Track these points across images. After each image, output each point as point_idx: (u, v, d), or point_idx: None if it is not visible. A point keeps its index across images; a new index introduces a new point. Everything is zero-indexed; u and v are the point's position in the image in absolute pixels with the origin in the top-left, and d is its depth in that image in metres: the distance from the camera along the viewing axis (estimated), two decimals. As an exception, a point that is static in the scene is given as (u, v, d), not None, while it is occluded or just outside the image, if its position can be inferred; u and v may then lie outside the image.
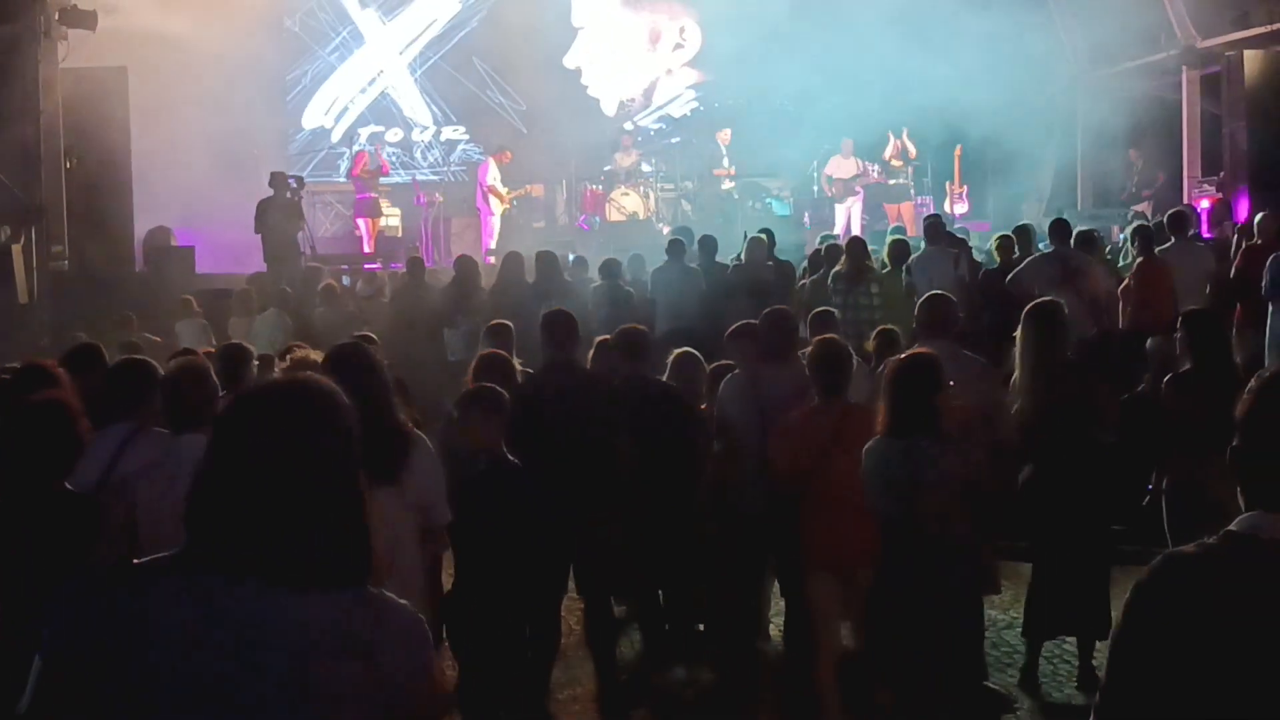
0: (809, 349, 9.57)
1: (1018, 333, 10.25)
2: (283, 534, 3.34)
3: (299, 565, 3.35)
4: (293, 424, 3.41)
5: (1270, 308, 15.26)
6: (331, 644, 3.35)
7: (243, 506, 3.34)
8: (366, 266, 27.12)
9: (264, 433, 3.41)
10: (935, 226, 19.71)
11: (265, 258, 23.70)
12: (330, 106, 34.53)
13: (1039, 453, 9.79)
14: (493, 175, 29.87)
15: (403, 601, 3.55)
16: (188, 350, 11.66)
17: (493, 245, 28.44)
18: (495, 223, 29.70)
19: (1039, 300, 10.67)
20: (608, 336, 11.75)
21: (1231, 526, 3.38)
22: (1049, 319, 10.17)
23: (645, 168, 32.78)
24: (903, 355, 8.61)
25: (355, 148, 32.76)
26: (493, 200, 29.73)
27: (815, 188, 31.72)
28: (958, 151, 31.04)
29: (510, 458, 8.57)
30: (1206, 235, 22.23)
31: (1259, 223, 18.71)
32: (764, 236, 19.59)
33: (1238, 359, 9.88)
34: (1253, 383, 3.45)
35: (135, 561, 3.46)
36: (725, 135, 32.15)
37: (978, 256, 20.49)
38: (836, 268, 17.55)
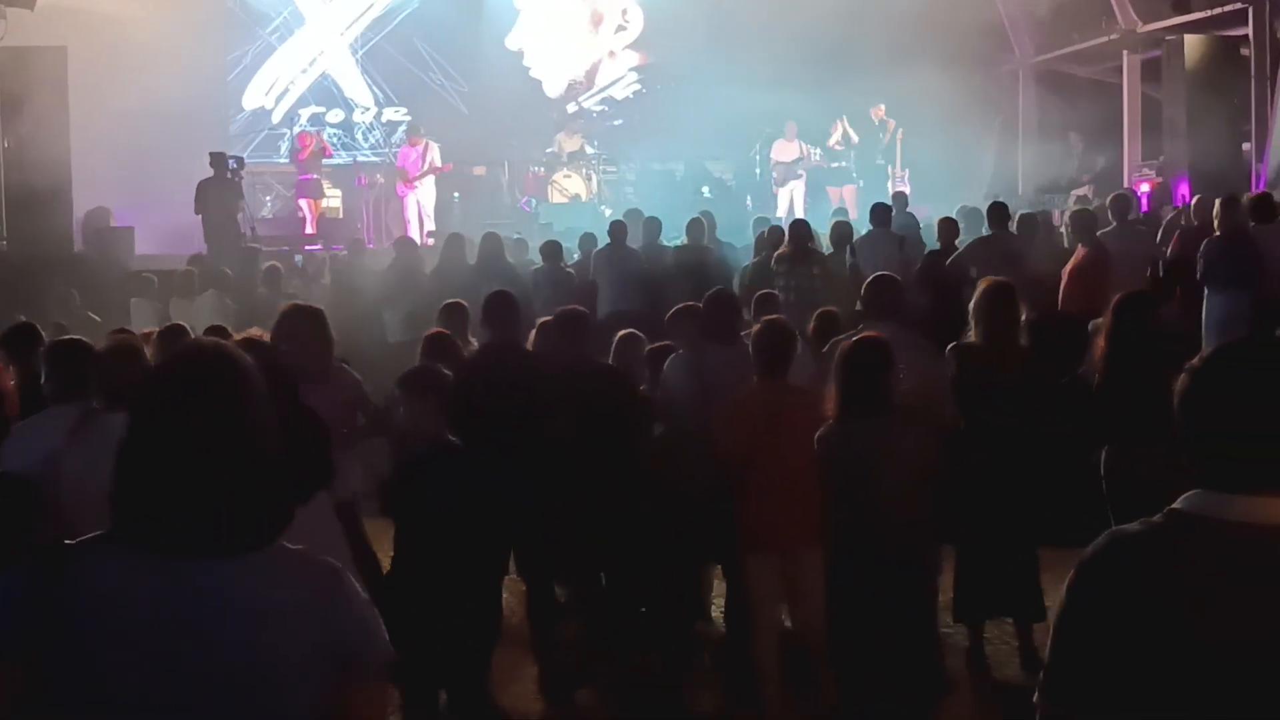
0: (752, 330, 9.55)
1: (971, 308, 10.28)
2: (203, 504, 3.34)
3: (223, 534, 3.35)
4: (199, 392, 3.41)
5: (1206, 291, 15.32)
6: (272, 610, 3.37)
7: (161, 480, 3.33)
8: (307, 248, 27.04)
9: (173, 403, 3.42)
10: (881, 209, 19.77)
11: (205, 238, 23.60)
12: (271, 87, 34.36)
13: (973, 433, 9.80)
14: (400, 158, 29.72)
15: (331, 561, 3.58)
16: (124, 330, 11.58)
17: (413, 231, 28.19)
18: (414, 203, 29.41)
19: (992, 280, 10.68)
20: (549, 319, 11.71)
21: (1175, 505, 3.38)
22: (1001, 297, 10.21)
23: (588, 149, 32.75)
24: (853, 337, 8.59)
25: (296, 129, 32.61)
26: (402, 186, 29.50)
27: (758, 170, 31.77)
28: (899, 135, 31.09)
29: (451, 439, 8.54)
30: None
31: (1194, 207, 18.80)
32: (703, 219, 19.56)
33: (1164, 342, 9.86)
34: (1192, 362, 3.45)
35: (67, 543, 3.43)
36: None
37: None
38: (779, 249, 17.54)
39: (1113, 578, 3.36)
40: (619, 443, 10.02)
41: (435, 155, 29.58)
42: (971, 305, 10.34)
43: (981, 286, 10.47)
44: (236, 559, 3.36)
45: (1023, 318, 10.30)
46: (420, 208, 29.30)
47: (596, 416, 9.98)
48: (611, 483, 9.96)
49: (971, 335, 10.27)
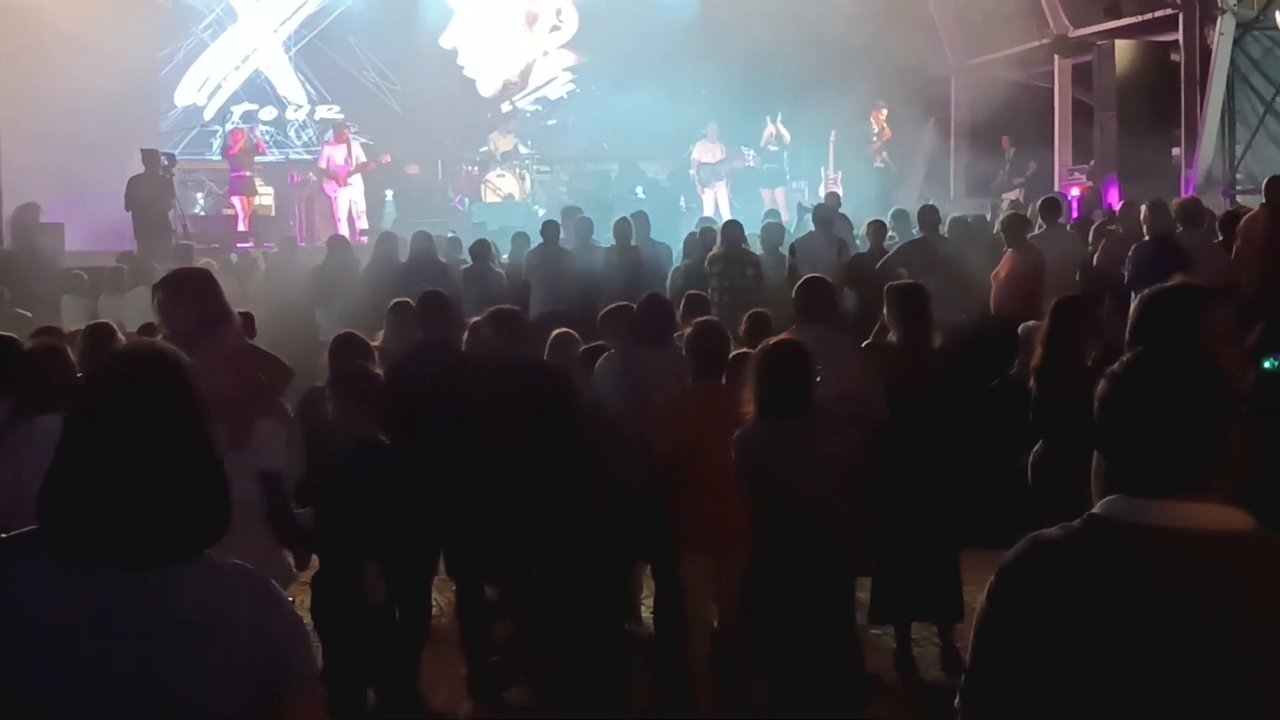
0: (686, 331, 9.57)
1: (885, 311, 10.35)
2: (138, 510, 3.31)
3: (157, 541, 3.33)
4: (137, 395, 3.39)
5: (1133, 296, 15.40)
6: (205, 621, 3.34)
7: (96, 485, 3.31)
8: (240, 245, 26.93)
9: (110, 407, 3.39)
10: (823, 210, 19.87)
11: (136, 235, 23.47)
12: (203, 84, 34.19)
13: (889, 435, 9.83)
14: (325, 159, 29.67)
15: (257, 572, 3.56)
16: (49, 329, 11.50)
17: (343, 228, 28.11)
18: (341, 203, 29.38)
19: (902, 280, 10.75)
20: (479, 318, 11.70)
21: (1095, 509, 3.42)
22: (914, 299, 10.27)
23: (522, 149, 32.75)
24: (769, 340, 8.60)
25: (229, 126, 32.48)
26: (329, 185, 29.45)
27: (692, 171, 31.83)
28: (832, 137, 31.15)
29: (380, 438, 8.53)
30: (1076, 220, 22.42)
31: (1120, 211, 18.90)
32: (630, 220, 19.52)
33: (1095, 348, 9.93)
34: (1112, 368, 3.49)
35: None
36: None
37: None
38: (713, 250, 17.58)
39: (1032, 582, 3.40)
40: (557, 441, 10.00)
41: (359, 152, 29.56)
42: (886, 308, 10.41)
43: (895, 289, 10.54)
44: (169, 567, 3.34)
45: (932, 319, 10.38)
46: (352, 206, 29.24)
47: (535, 415, 9.97)
48: (544, 482, 9.95)
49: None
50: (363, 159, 29.61)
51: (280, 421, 8.40)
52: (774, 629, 8.26)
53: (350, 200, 29.22)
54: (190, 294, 8.01)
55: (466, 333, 11.28)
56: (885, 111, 31.23)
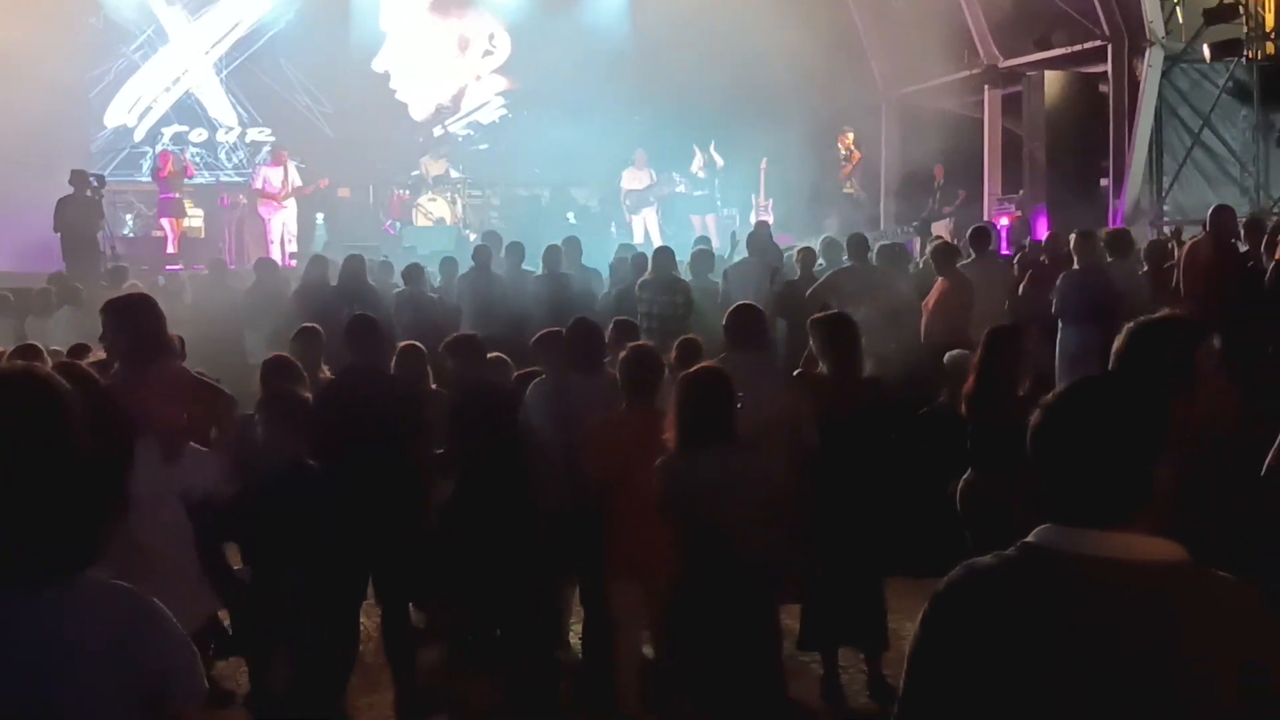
0: (620, 356, 9.56)
1: (814, 340, 10.37)
2: (5, 532, 3.27)
3: (21, 563, 3.28)
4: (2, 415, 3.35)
5: (1060, 325, 15.48)
6: (75, 646, 3.28)
7: None
8: (169, 268, 26.81)
9: None
10: (757, 236, 19.95)
11: (64, 256, 23.32)
12: (134, 105, 33.94)
13: (818, 463, 9.83)
14: (261, 180, 29.65)
15: (137, 592, 3.49)
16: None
17: (274, 252, 28.09)
18: (275, 225, 29.32)
19: (828, 312, 10.79)
20: (412, 342, 11.69)
21: (1029, 538, 3.44)
22: (841, 329, 10.30)
23: (454, 174, 32.71)
24: (691, 369, 8.59)
25: (158, 147, 32.31)
26: (264, 206, 29.42)
27: (622, 198, 31.85)
28: (763, 164, 31.22)
29: (309, 461, 8.50)
30: (1006, 252, 22.55)
31: (1046, 242, 19.01)
32: (559, 245, 19.47)
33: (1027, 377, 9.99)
34: (1046, 399, 3.51)
35: None
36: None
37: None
38: (643, 276, 17.58)
39: (966, 609, 3.41)
40: (501, 465, 9.98)
41: (295, 175, 29.53)
42: (812, 339, 10.43)
43: (820, 321, 10.56)
44: (37, 591, 3.29)
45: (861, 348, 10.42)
46: (284, 228, 29.17)
47: (475, 439, 9.96)
48: (477, 506, 9.93)
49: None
50: (298, 182, 29.58)
51: (214, 448, 8.39)
52: (699, 657, 8.25)
53: (283, 223, 29.17)
54: (131, 320, 8.01)
55: (395, 356, 11.27)
56: (852, 135, 31.29)
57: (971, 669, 3.34)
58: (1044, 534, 3.43)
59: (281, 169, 29.58)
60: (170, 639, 3.46)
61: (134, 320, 8.70)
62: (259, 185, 29.77)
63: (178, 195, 29.60)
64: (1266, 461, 5.91)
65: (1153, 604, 3.27)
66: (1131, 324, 5.03)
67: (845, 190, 31.25)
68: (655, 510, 8.45)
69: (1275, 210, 24.99)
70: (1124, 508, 3.35)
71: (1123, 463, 3.36)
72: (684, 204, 31.46)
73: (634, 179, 31.20)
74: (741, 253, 20.69)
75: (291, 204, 29.45)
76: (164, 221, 29.60)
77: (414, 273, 18.97)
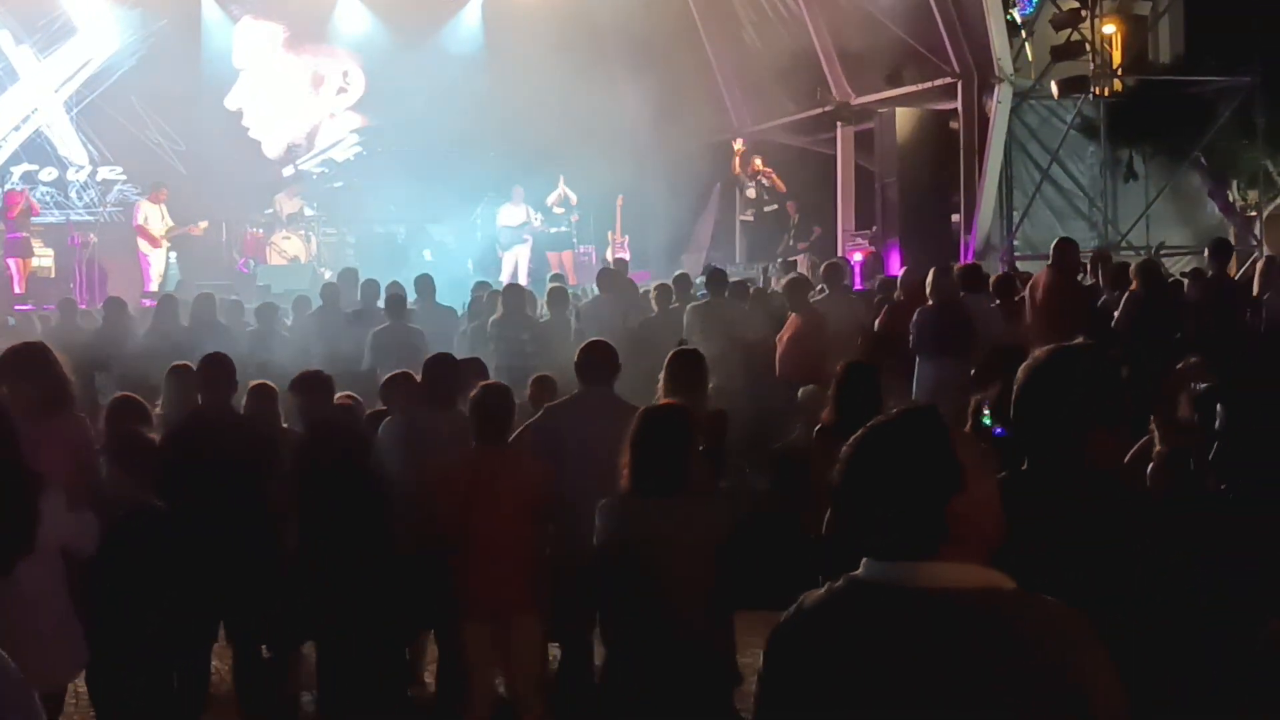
0: (470, 395, 9.53)
1: (660, 379, 10.38)
2: None
3: None
4: None
5: (918, 359, 15.62)
6: None
7: None
8: (17, 308, 26.45)
9: None
10: (605, 274, 20.05)
11: (-90, 297, 23.02)
12: (-18, 144, 33.58)
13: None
14: (143, 216, 29.48)
15: None
16: None
17: (154, 288, 27.99)
18: (153, 264, 29.26)
19: (679, 348, 10.83)
20: (264, 381, 11.61)
21: (856, 571, 3.48)
22: (688, 366, 10.34)
23: (308, 211, 32.56)
24: (654, 404, 8.39)
25: (6, 187, 31.88)
26: (142, 243, 29.33)
27: (479, 234, 31.81)
28: (619, 201, 31.32)
29: (157, 503, 8.42)
30: (859, 287, 22.72)
31: (901, 279, 19.17)
32: (399, 291, 19.27)
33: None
34: (852, 438, 3.58)
35: None
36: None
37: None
38: (494, 315, 17.56)
39: (798, 642, 3.47)
40: (341, 505, 9.91)
41: (167, 216, 29.55)
42: (664, 373, 10.44)
43: (672, 354, 10.60)
44: None
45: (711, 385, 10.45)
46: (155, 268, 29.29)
47: (324, 478, 9.88)
48: (327, 546, 9.86)
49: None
50: (170, 223, 29.51)
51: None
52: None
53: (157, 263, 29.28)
54: (38, 369, 7.96)
55: (246, 396, 11.19)
56: (758, 160, 31.20)
57: (808, 701, 3.38)
58: (867, 567, 3.49)
59: (161, 207, 29.53)
60: (13, 688, 3.37)
61: (42, 370, 8.68)
62: (140, 221, 29.68)
63: (25, 235, 29.29)
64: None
65: (968, 631, 3.32)
66: (1042, 353, 4.92)
67: (765, 210, 31.10)
68: (511, 547, 8.43)
69: (1123, 245, 25.41)
70: (925, 541, 3.40)
71: (912, 498, 3.43)
72: (541, 241, 31.49)
73: (510, 215, 31.24)
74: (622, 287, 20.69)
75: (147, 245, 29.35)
76: (10, 261, 29.22)
77: (266, 311, 18.83)
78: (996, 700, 3.25)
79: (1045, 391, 4.54)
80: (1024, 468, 4.53)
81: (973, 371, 9.20)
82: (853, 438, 3.58)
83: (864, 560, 3.49)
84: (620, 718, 8.00)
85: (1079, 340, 4.92)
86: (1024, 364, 4.61)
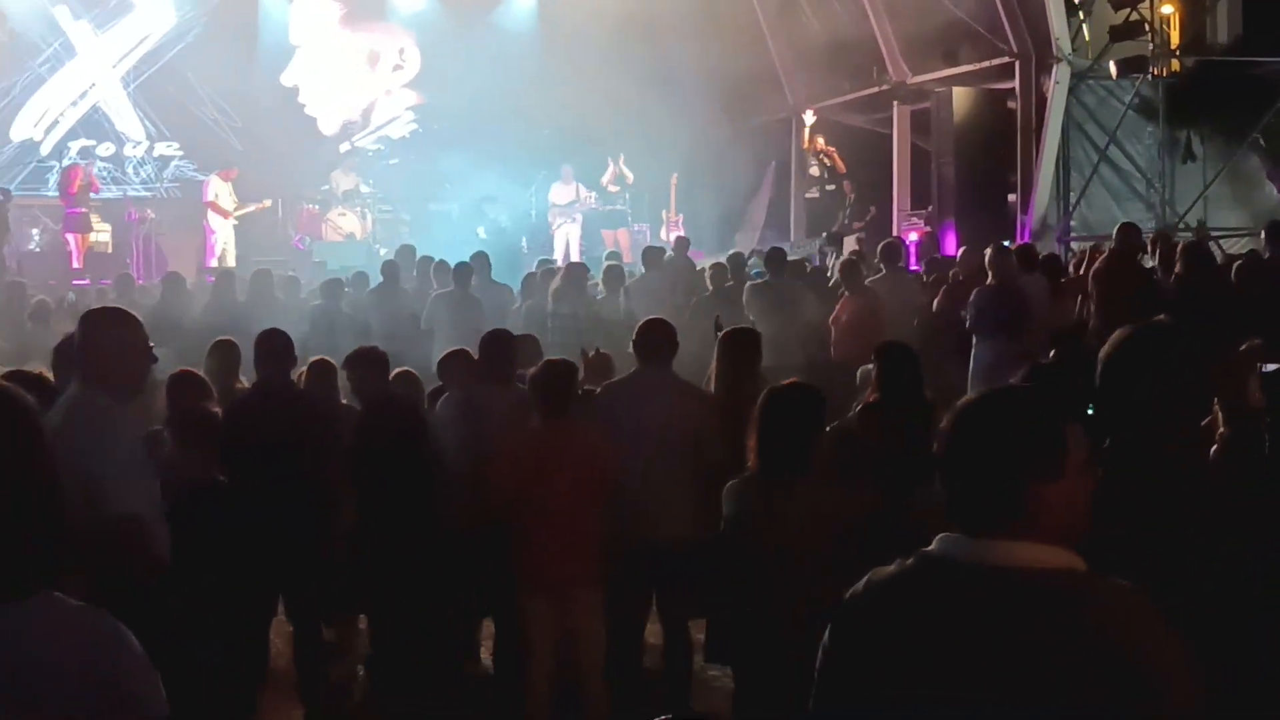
0: (530, 371, 9.52)
1: (713, 359, 10.37)
2: None
3: None
4: None
5: (974, 339, 15.55)
6: (40, 668, 3.18)
7: None
8: (75, 283, 26.58)
9: None
10: (651, 253, 19.99)
11: (-33, 272, 23.14)
12: (40, 119, 33.64)
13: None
14: (213, 192, 29.60)
15: (102, 613, 3.38)
16: None
17: (214, 263, 28.13)
18: (219, 240, 29.40)
19: (735, 327, 10.79)
20: (323, 357, 11.63)
21: (928, 548, 3.46)
22: (743, 345, 10.32)
23: (364, 188, 32.58)
24: (780, 385, 8.16)
25: (65, 162, 32.01)
26: (213, 217, 29.48)
27: (533, 212, 31.82)
28: (674, 179, 31.28)
29: (219, 478, 8.45)
30: (915, 268, 22.64)
31: (960, 258, 19.09)
32: (469, 263, 19.36)
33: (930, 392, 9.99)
34: (954, 407, 3.54)
35: None
36: None
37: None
38: (554, 284, 17.62)
39: (866, 619, 3.46)
40: (397, 481, 9.93)
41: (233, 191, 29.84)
42: (717, 354, 10.42)
43: (725, 333, 10.58)
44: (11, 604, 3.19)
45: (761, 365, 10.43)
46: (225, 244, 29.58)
47: (380, 455, 9.91)
48: (384, 522, 9.89)
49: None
50: (221, 204, 29.69)
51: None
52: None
53: (224, 239, 29.45)
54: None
55: (306, 372, 11.22)
56: (821, 139, 30.97)
57: (873, 677, 3.38)
58: (941, 542, 3.48)
59: (231, 185, 29.75)
60: (132, 660, 3.35)
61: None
62: (211, 197, 29.91)
63: (84, 210, 29.39)
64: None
65: (1037, 610, 3.30)
66: (1124, 332, 4.83)
67: (828, 188, 30.82)
68: (573, 524, 8.47)
69: (1180, 226, 25.23)
70: (999, 518, 3.39)
71: (1012, 475, 3.40)
72: (595, 219, 31.49)
73: (560, 194, 31.33)
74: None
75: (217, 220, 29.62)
76: (69, 236, 29.39)
77: (331, 288, 18.85)
78: (1063, 681, 3.23)
79: (1126, 370, 4.50)
80: (1106, 445, 4.49)
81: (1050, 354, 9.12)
82: (964, 406, 3.55)
83: (940, 536, 3.47)
84: (750, 700, 7.92)
85: (1160, 319, 4.88)
86: (1108, 343, 4.57)
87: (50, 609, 3.26)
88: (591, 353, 12.06)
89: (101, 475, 6.44)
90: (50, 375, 8.12)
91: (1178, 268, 15.76)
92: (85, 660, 3.24)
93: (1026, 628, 3.28)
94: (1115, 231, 16.62)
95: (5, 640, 3.18)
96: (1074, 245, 24.61)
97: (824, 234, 28.65)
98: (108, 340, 7.06)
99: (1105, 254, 16.77)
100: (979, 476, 3.41)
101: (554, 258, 26.71)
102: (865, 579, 3.55)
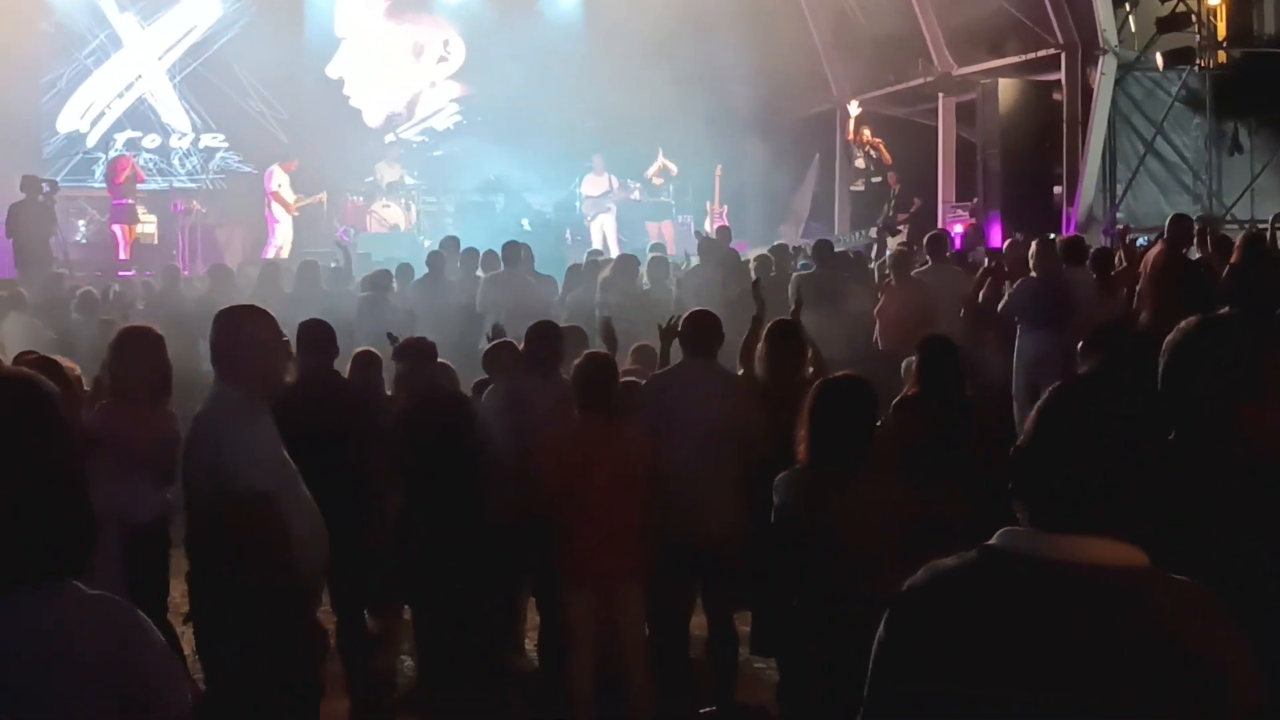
0: (574, 364, 9.51)
1: (759, 350, 10.34)
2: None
3: (8, 564, 3.21)
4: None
5: (1019, 331, 15.50)
6: (59, 656, 3.18)
7: None
8: (121, 274, 26.67)
9: None
10: (707, 243, 20.07)
11: (16, 263, 23.23)
12: (86, 110, 33.84)
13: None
14: (276, 183, 29.73)
15: (121, 602, 3.41)
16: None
17: (271, 253, 28.28)
18: (280, 230, 29.56)
19: (779, 319, 10.76)
20: (367, 349, 11.64)
21: (991, 541, 3.42)
22: (787, 337, 10.28)
23: (408, 180, 32.65)
24: (834, 376, 8.10)
25: (111, 153, 32.16)
26: (276, 208, 29.62)
27: (578, 204, 31.85)
28: (718, 171, 31.26)
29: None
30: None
31: (1005, 250, 19.03)
32: (517, 243, 19.44)
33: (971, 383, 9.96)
34: (1040, 400, 3.49)
35: None
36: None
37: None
38: (603, 276, 17.63)
39: (925, 611, 3.41)
40: (442, 474, 9.93)
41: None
42: (763, 344, 10.39)
43: (767, 326, 10.55)
44: (14, 596, 3.21)
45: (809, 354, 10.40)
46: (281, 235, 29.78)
47: (426, 446, 9.90)
48: (428, 514, 9.89)
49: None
50: (284, 195, 29.92)
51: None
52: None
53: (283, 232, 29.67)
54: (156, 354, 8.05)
55: (351, 362, 11.23)
56: (867, 131, 30.91)
57: (931, 670, 3.34)
58: (1004, 536, 3.43)
59: (289, 178, 29.90)
60: (153, 650, 3.37)
61: (153, 355, 8.78)
62: (275, 187, 30.19)
63: (130, 201, 29.54)
64: None
65: (1105, 606, 3.25)
66: (1186, 324, 4.78)
67: (873, 181, 30.73)
68: (616, 517, 8.45)
69: (1227, 218, 25.11)
70: (1086, 517, 3.33)
71: (1095, 473, 3.34)
72: (639, 211, 31.50)
73: (593, 185, 31.32)
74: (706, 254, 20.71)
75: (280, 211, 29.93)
76: (115, 228, 29.49)
77: (379, 279, 18.89)
78: (1124, 678, 3.19)
79: (1185, 363, 4.46)
80: (1170, 439, 4.43)
81: (1079, 346, 9.05)
82: (1050, 399, 3.50)
83: (1003, 530, 3.43)
84: (796, 692, 7.91)
85: (1224, 311, 4.83)
86: (1169, 336, 4.52)
87: (69, 597, 3.27)
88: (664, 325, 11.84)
89: (234, 467, 6.82)
90: (74, 365, 8.26)
91: (1234, 257, 15.66)
92: (103, 649, 3.25)
93: (1087, 624, 3.23)
94: (1167, 223, 16.51)
95: (22, 627, 3.19)
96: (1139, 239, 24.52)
97: (876, 224, 28.63)
98: (240, 338, 7.15)
99: (1157, 247, 16.67)
100: (1082, 472, 3.36)
101: (599, 249, 26.76)
102: (924, 570, 3.51)
